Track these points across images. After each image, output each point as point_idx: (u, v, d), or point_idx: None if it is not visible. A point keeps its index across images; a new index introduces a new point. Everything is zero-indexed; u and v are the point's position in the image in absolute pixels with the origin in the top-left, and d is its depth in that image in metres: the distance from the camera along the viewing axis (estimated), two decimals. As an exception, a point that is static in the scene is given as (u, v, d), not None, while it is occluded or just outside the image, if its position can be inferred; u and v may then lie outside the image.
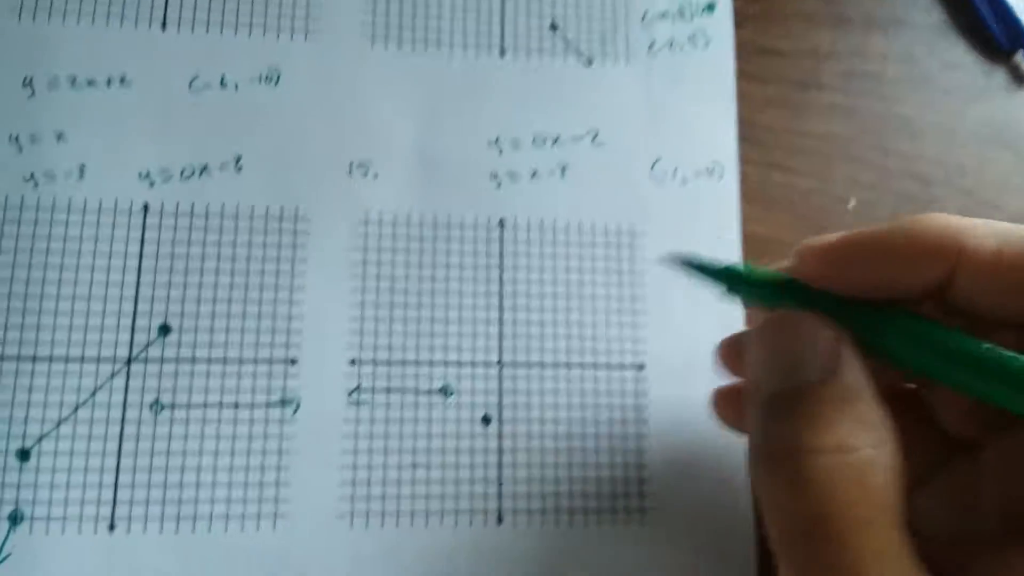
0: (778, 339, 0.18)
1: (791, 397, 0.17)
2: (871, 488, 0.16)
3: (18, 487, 0.22)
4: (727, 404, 0.23)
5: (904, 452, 0.17)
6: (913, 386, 0.21)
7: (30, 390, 0.23)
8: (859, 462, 0.16)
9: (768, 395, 0.17)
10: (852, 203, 0.28)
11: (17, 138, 0.24)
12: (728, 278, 0.20)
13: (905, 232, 0.17)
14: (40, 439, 0.22)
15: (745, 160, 0.28)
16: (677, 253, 0.21)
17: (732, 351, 0.22)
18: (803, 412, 0.16)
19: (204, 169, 0.25)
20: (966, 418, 0.19)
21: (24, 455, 0.22)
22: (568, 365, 0.25)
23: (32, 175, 0.24)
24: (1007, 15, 0.30)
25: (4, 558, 0.22)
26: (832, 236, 0.18)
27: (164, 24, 0.26)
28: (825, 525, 0.15)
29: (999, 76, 0.30)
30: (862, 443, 0.16)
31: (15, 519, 0.22)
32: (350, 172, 0.25)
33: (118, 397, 0.23)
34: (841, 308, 0.18)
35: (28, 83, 0.25)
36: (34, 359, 0.23)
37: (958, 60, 0.30)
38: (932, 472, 0.19)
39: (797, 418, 0.16)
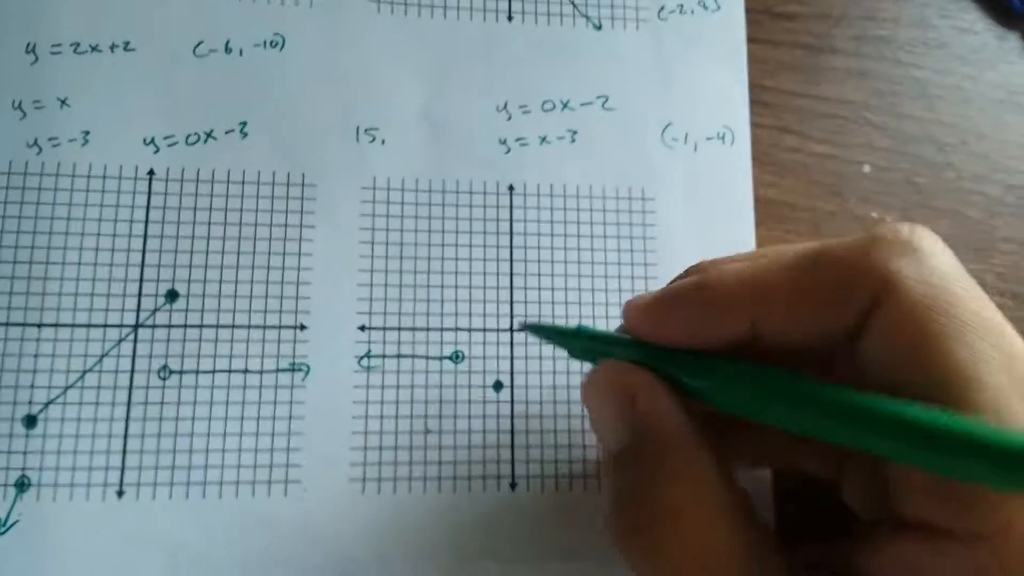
0: (589, 404, 0.19)
1: (621, 460, 0.17)
2: (706, 543, 0.16)
3: (24, 454, 0.22)
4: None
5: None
6: None
7: (36, 356, 0.22)
8: (685, 524, 0.16)
9: (604, 456, 0.19)
10: (867, 168, 0.28)
11: (20, 104, 0.24)
12: (566, 339, 0.20)
13: (705, 289, 0.17)
14: (47, 405, 0.22)
15: (757, 124, 0.27)
16: (523, 320, 0.24)
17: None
18: (630, 480, 0.17)
19: (209, 135, 0.24)
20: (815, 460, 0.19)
21: (31, 422, 0.22)
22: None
23: (36, 141, 0.24)
24: (1021, -22, 0.29)
25: (11, 525, 0.21)
26: (651, 293, 0.18)
27: (168, -11, 0.25)
28: None
29: (1013, 41, 0.30)
30: (682, 501, 0.16)
31: (22, 486, 0.22)
32: (357, 138, 0.25)
33: (126, 363, 0.22)
34: (671, 359, 0.18)
35: (31, 49, 0.24)
36: (40, 325, 0.22)
37: (971, 25, 0.30)
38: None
39: (628, 490, 0.17)
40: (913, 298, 0.15)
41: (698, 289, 0.18)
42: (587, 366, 0.20)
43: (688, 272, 0.21)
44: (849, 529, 0.19)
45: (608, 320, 0.25)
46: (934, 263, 0.16)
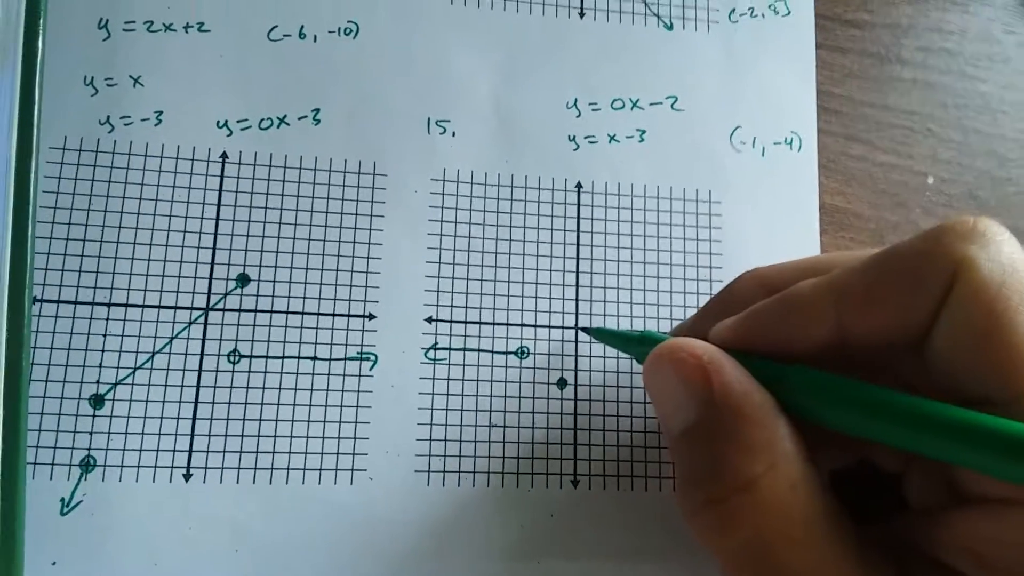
0: (659, 382, 0.18)
1: (689, 438, 0.17)
2: (779, 510, 0.16)
3: (91, 434, 0.22)
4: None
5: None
6: None
7: (105, 336, 0.22)
8: (760, 493, 0.16)
9: (668, 440, 0.19)
10: (931, 180, 0.28)
11: (92, 80, 0.24)
12: (630, 344, 0.21)
13: (788, 298, 0.18)
14: (115, 386, 0.22)
15: (824, 131, 0.27)
16: (587, 326, 0.24)
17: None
18: (700, 457, 0.17)
19: (283, 120, 0.24)
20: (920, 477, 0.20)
21: (98, 402, 0.22)
22: (644, 331, 0.25)
23: (108, 118, 0.23)
24: (1089, -5, 0.29)
25: (76, 504, 0.21)
26: (732, 319, 0.19)
27: (243, -29, 0.25)
28: (756, 558, 0.16)
29: (1078, 57, 0.30)
30: (756, 470, 0.16)
31: (87, 466, 0.21)
32: (428, 129, 0.25)
33: (195, 346, 0.22)
34: (743, 364, 0.18)
35: (103, 25, 0.24)
36: (109, 305, 0.22)
37: (1036, 40, 0.30)
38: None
39: (698, 467, 0.17)
40: (985, 277, 0.15)
41: (781, 300, 0.18)
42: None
43: (741, 278, 0.21)
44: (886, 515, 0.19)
45: (672, 322, 0.25)
46: (1003, 248, 0.16)
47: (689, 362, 0.17)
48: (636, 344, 0.22)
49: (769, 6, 0.28)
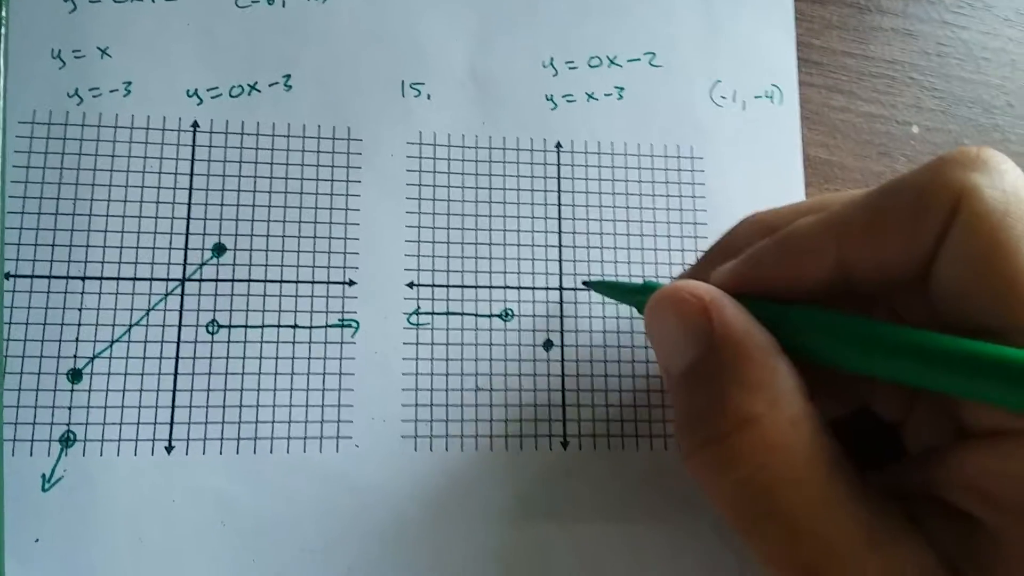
0: (660, 324, 0.18)
1: (689, 377, 0.17)
2: (781, 448, 0.16)
3: (70, 408, 0.21)
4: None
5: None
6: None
7: (81, 310, 0.22)
8: (760, 430, 0.16)
9: (668, 380, 0.18)
10: (915, 129, 0.27)
11: (59, 53, 0.23)
12: (632, 295, 0.21)
13: (788, 238, 0.18)
14: (92, 360, 0.22)
15: (805, 83, 0.27)
16: (589, 279, 0.24)
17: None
18: (700, 395, 0.17)
19: (253, 87, 0.24)
20: (889, 402, 0.19)
21: (76, 376, 0.21)
22: (629, 290, 0.24)
23: (76, 91, 0.23)
24: (1070, -62, 0.29)
25: (57, 480, 0.21)
26: (732, 263, 0.19)
27: (208, -62, 0.25)
28: (755, 499, 0.16)
29: (1060, 2, 0.29)
30: (756, 408, 0.16)
31: (67, 441, 0.21)
32: (403, 92, 0.25)
33: (173, 317, 0.22)
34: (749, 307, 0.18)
35: (69, -2, 0.24)
36: (84, 279, 0.22)
37: (1018, -14, 0.29)
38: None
39: (698, 404, 0.17)
40: (988, 206, 0.15)
41: (780, 239, 0.18)
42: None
43: (741, 223, 0.21)
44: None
45: (659, 279, 0.25)
46: (1006, 176, 0.16)
47: (690, 301, 0.17)
48: (638, 293, 0.21)
49: (746, -42, 0.27)
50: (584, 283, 0.24)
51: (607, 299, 0.24)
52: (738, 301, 0.17)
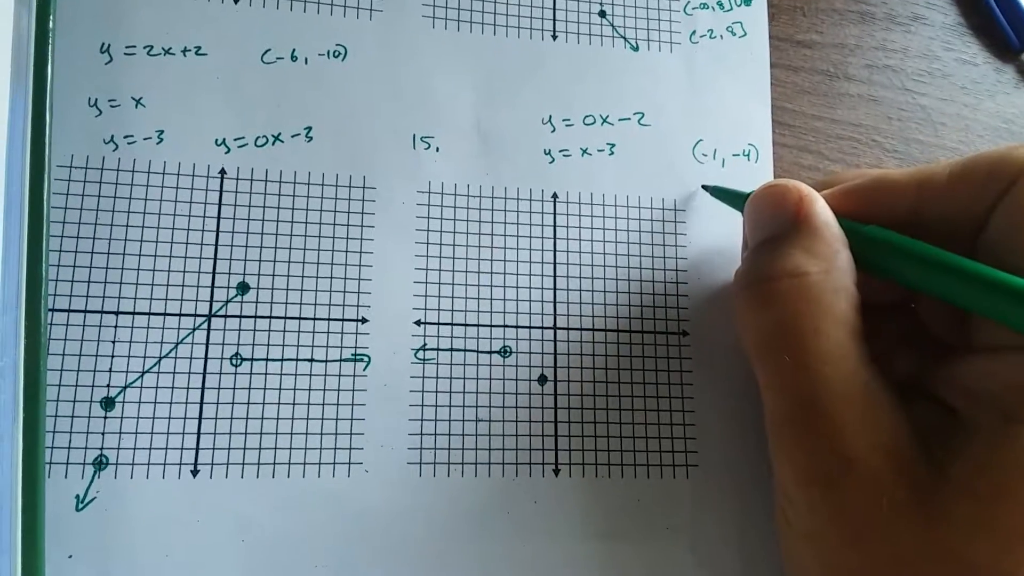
0: (759, 203, 0.22)
1: (766, 242, 0.21)
2: (818, 302, 0.20)
3: (103, 434, 0.23)
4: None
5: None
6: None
7: (114, 342, 0.24)
8: (808, 283, 0.20)
9: (753, 244, 0.22)
10: (877, 186, 0.30)
11: (96, 102, 0.25)
12: (741, 200, 0.24)
13: (881, 179, 0.22)
14: (124, 389, 0.23)
15: (778, 143, 0.29)
16: (706, 184, 0.28)
17: None
18: (770, 250, 0.21)
19: (277, 137, 0.26)
20: (947, 324, 0.23)
21: (109, 404, 0.23)
22: (617, 331, 0.27)
23: (112, 137, 0.25)
24: (1017, 17, 0.32)
25: (90, 501, 0.23)
26: (828, 191, 0.23)
27: (237, -2, 0.27)
28: (783, 334, 0.20)
29: (1010, 73, 0.32)
30: (811, 268, 0.20)
31: (100, 464, 0.23)
32: (414, 145, 0.27)
33: (200, 350, 0.24)
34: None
35: (105, 49, 0.26)
36: (118, 313, 0.24)
37: (972, 57, 0.32)
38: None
39: (765, 255, 0.21)
40: None
41: (875, 179, 0.22)
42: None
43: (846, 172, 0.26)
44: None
45: (643, 321, 0.27)
46: None
47: (790, 189, 0.21)
48: (743, 200, 0.24)
49: (727, 28, 0.30)
50: (703, 186, 0.28)
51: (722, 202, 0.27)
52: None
